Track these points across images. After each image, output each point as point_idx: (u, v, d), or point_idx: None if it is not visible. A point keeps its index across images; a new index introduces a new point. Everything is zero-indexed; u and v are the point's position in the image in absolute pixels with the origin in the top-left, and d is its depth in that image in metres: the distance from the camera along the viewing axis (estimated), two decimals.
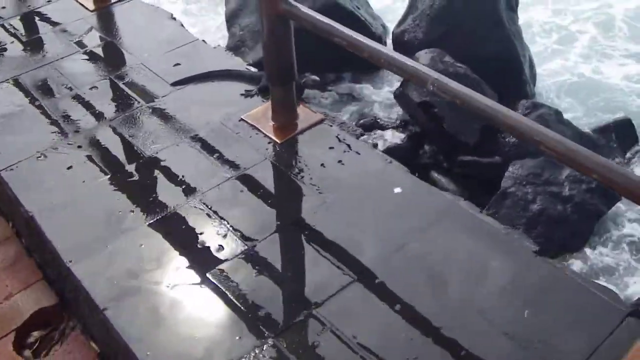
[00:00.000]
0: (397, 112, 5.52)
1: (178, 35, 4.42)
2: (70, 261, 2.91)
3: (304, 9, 3.04)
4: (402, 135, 5.24)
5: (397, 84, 5.39)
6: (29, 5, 5.00)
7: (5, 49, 4.50)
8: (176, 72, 4.03)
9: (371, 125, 5.37)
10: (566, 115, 5.26)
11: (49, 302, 3.05)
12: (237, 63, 4.09)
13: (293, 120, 3.53)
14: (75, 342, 2.93)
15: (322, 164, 3.29)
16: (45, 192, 3.29)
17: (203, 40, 4.36)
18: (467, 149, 4.88)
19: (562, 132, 4.92)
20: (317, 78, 3.67)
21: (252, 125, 3.56)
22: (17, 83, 4.14)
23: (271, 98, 3.51)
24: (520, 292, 2.61)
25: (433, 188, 3.18)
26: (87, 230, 3.04)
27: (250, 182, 3.23)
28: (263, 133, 3.50)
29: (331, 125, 3.53)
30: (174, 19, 4.65)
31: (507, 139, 4.89)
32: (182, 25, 4.57)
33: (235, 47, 5.91)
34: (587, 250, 4.46)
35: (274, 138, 3.46)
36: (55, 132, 3.69)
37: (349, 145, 3.38)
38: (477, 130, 4.95)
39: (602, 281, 4.15)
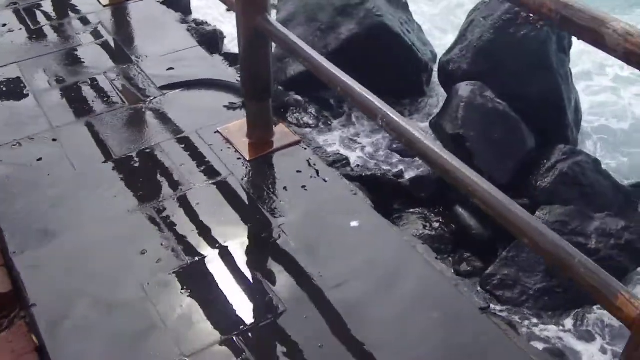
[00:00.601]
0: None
1: (180, 39, 4.39)
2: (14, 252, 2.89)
3: (279, 26, 2.96)
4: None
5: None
6: None
7: (12, 32, 4.53)
8: (168, 77, 3.99)
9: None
10: (608, 165, 5.05)
11: (3, 289, 3.01)
12: (230, 74, 4.03)
13: (268, 138, 3.45)
14: (18, 332, 2.86)
15: (284, 187, 3.20)
16: (7, 181, 3.27)
17: (203, 47, 4.31)
18: (498, 187, 4.71)
19: (597, 181, 4.79)
20: (300, 98, 3.60)
21: (226, 139, 3.49)
22: (14, 69, 4.15)
23: (246, 114, 3.43)
24: (455, 348, 2.47)
25: (394, 227, 3.05)
26: (36, 221, 3.01)
27: (207, 197, 3.16)
28: (235, 148, 3.43)
29: (305, 149, 3.44)
30: (184, 22, 4.61)
31: (538, 183, 4.73)
32: (188, 29, 4.53)
33: (281, 56, 5.85)
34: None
35: (243, 154, 3.38)
36: (34, 123, 3.68)
37: (317, 171, 3.28)
38: (510, 170, 4.80)
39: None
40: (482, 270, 4.32)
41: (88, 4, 4.85)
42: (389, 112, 2.41)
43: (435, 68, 6.07)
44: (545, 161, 4.90)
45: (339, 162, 3.53)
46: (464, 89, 5.13)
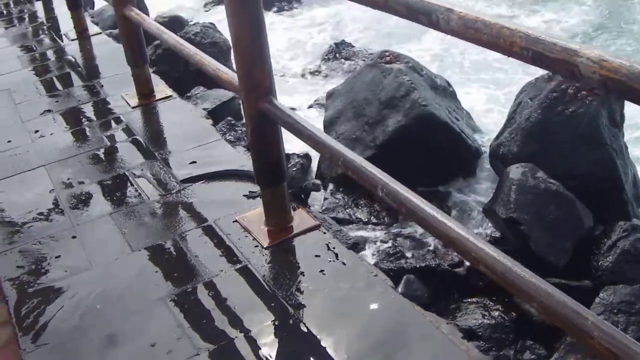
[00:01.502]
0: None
1: (205, 134, 4.40)
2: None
3: (284, 108, 2.92)
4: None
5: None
6: (79, 101, 5.16)
7: (43, 137, 4.63)
8: (190, 170, 3.98)
9: None
10: None
11: None
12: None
13: (286, 224, 3.36)
14: None
15: (302, 273, 3.08)
16: (27, 276, 3.28)
17: (228, 140, 4.31)
18: (556, 270, 4.51)
19: None
20: (319, 182, 3.51)
21: (244, 227, 3.41)
22: (41, 172, 4.21)
23: (262, 200, 3.36)
24: None
25: (417, 308, 2.88)
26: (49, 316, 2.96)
27: (221, 287, 3.06)
28: (252, 236, 3.34)
29: (325, 232, 3.33)
30: (208, 118, 4.64)
31: (599, 263, 4.50)
32: (213, 124, 4.55)
33: None
34: None
35: (261, 242, 3.29)
36: (56, 221, 3.69)
37: (336, 255, 3.16)
38: (568, 250, 4.59)
39: None
40: (546, 358, 4.07)
41: (117, 106, 4.95)
42: (388, 182, 2.30)
43: (486, 154, 5.98)
44: (605, 240, 4.66)
45: (359, 245, 3.40)
46: (515, 171, 4.99)
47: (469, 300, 4.39)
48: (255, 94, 2.96)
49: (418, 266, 4.14)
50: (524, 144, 5.44)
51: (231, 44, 2.94)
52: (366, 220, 4.39)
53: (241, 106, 3.08)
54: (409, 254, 4.65)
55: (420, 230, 4.93)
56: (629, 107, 6.40)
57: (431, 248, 4.98)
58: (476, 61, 10.48)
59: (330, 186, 4.56)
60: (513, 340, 4.19)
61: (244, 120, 5.59)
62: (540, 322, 4.19)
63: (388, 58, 8.88)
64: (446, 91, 6.36)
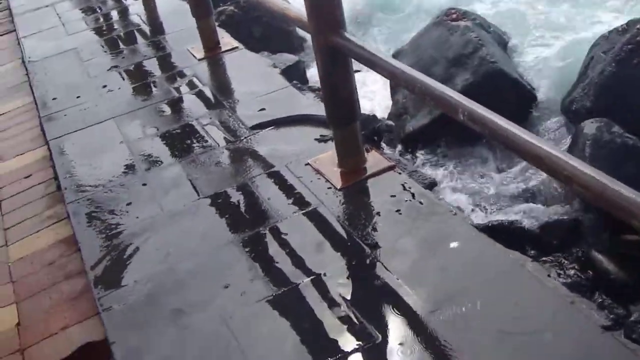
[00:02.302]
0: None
1: (273, 81, 4.31)
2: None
3: (356, 40, 2.79)
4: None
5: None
6: (145, 55, 5.12)
7: (111, 91, 4.62)
8: (259, 117, 3.89)
9: None
10: None
11: (99, 337, 2.92)
12: (322, 109, 3.87)
13: (360, 165, 3.24)
14: None
15: (377, 213, 2.97)
16: (99, 224, 3.29)
17: (297, 86, 4.20)
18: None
19: None
20: (392, 123, 3.38)
21: (316, 170, 3.31)
22: (110, 124, 4.19)
23: (334, 141, 3.25)
24: None
25: (497, 245, 2.72)
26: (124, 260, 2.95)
27: (296, 228, 2.97)
28: (325, 178, 3.24)
29: (400, 173, 3.20)
30: (275, 67, 4.54)
31: None
32: (280, 73, 4.45)
33: (397, 114, 5.72)
34: None
35: (334, 183, 3.18)
36: (126, 169, 3.66)
37: (412, 195, 3.03)
38: None
39: None
40: (625, 318, 3.89)
41: (183, 59, 4.89)
42: (470, 105, 2.16)
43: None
44: None
45: (436, 185, 3.25)
46: (590, 126, 4.76)
47: (544, 259, 4.23)
48: (325, 27, 2.84)
49: (490, 224, 3.98)
50: (597, 98, 5.19)
51: None
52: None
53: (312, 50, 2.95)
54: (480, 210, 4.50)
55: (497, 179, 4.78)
56: None
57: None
58: (542, 19, 10.12)
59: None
60: (589, 299, 4.01)
61: (309, 84, 5.51)
62: (619, 280, 4.00)
63: (454, 15, 8.63)
64: (512, 48, 6.15)
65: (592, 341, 2.21)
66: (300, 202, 3.12)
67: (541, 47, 9.08)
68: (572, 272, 4.14)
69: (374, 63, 2.66)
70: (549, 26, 9.59)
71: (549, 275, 2.56)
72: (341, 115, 3.10)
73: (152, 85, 4.64)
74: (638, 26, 7.05)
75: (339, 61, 2.92)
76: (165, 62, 4.97)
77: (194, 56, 4.87)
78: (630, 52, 5.22)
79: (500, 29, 8.48)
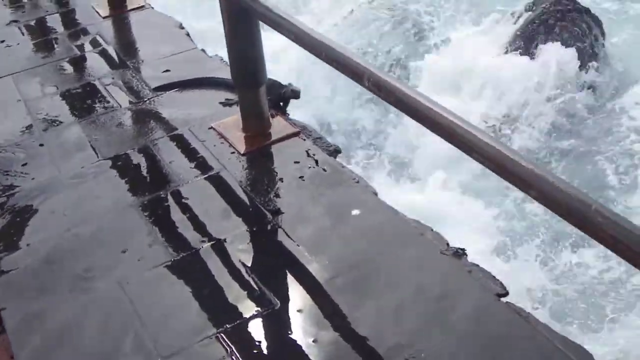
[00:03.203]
0: None
1: (179, 43, 4.21)
2: None
3: (265, 4, 2.73)
4: None
5: None
6: (47, 11, 4.91)
7: (9, 47, 4.42)
8: (163, 78, 3.80)
9: None
10: None
11: None
12: (228, 73, 3.80)
13: (265, 130, 3.21)
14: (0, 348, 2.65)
15: (280, 179, 2.95)
16: None
17: (202, 50, 4.11)
18: None
19: None
20: (298, 89, 3.35)
21: (220, 134, 3.25)
22: (7, 81, 4.01)
23: (239, 104, 3.20)
24: (476, 336, 2.16)
25: (400, 214, 2.75)
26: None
27: (197, 192, 2.92)
28: (229, 142, 3.19)
29: (304, 140, 3.18)
30: (182, 27, 4.43)
31: None
32: (187, 34, 4.34)
33: None
34: None
35: (237, 148, 3.14)
36: (24, 128, 3.52)
37: (316, 161, 3.02)
38: None
39: None
40: None
41: (86, 17, 4.72)
42: (375, 71, 2.15)
43: None
44: None
45: (340, 152, 3.25)
46: None
47: None
48: None
49: None
50: None
51: None
52: None
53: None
54: None
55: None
56: None
57: None
58: None
59: None
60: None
61: None
62: None
63: None
64: None
65: (488, 307, 2.26)
66: (202, 166, 3.07)
67: None
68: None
69: (280, 25, 2.61)
70: None
71: (447, 244, 2.57)
72: (248, 78, 3.05)
73: (53, 42, 4.47)
74: None
75: (246, 23, 2.86)
76: (68, 18, 4.79)
77: (98, 14, 4.70)
78: None
79: None
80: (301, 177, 2.94)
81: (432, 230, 2.68)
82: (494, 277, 2.44)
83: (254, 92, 3.10)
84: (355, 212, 2.73)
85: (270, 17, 2.72)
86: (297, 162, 3.02)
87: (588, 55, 8.02)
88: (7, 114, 3.68)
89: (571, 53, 7.82)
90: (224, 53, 3.36)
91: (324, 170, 2.97)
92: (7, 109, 3.73)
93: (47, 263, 2.67)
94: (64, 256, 2.69)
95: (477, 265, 2.49)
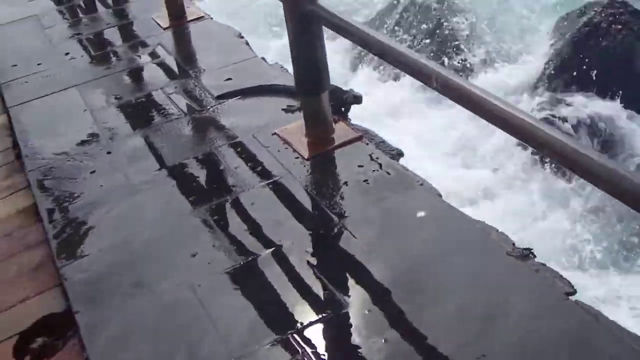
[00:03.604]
0: None
1: (240, 52, 4.27)
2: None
3: (329, 8, 2.76)
4: None
5: None
6: (108, 24, 5.04)
7: (74, 59, 4.54)
8: (225, 87, 3.86)
9: None
10: None
11: (61, 309, 2.87)
12: (289, 79, 3.85)
13: (327, 135, 3.23)
14: (71, 352, 2.71)
15: (345, 182, 2.97)
16: (62, 192, 3.22)
17: (262, 58, 4.17)
18: None
19: None
20: (360, 94, 3.37)
21: (283, 140, 3.29)
22: (73, 92, 4.11)
23: (303, 110, 3.23)
24: (543, 336, 2.15)
25: (465, 216, 2.74)
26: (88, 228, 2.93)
27: (263, 197, 2.96)
28: (292, 148, 3.22)
29: (367, 144, 3.20)
30: (241, 37, 4.50)
31: None
32: (247, 43, 4.41)
33: None
34: None
35: (302, 153, 3.17)
36: (90, 137, 3.61)
37: (380, 165, 3.03)
38: None
39: None
40: None
41: (148, 28, 4.82)
42: (443, 72, 2.16)
43: None
44: None
45: (404, 155, 3.26)
46: None
47: None
48: None
49: None
50: None
51: None
52: None
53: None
54: None
55: None
56: None
57: None
58: None
59: None
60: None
61: None
62: None
63: None
64: None
65: (556, 307, 2.24)
66: (267, 171, 3.11)
67: None
68: None
69: (347, 31, 2.65)
70: None
71: (513, 245, 2.56)
72: (311, 83, 3.08)
73: (116, 53, 4.57)
74: None
75: (310, 29, 2.90)
76: (130, 30, 4.91)
77: (159, 25, 4.79)
78: None
79: None
80: (365, 180, 2.95)
81: (497, 231, 2.67)
82: (561, 276, 2.42)
83: (317, 97, 3.12)
84: (420, 214, 2.73)
85: (334, 22, 2.76)
86: (361, 166, 3.04)
87: None
88: (75, 124, 3.78)
89: None
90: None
91: (388, 173, 2.98)
92: (74, 119, 3.83)
93: (116, 268, 2.73)
94: (133, 261, 2.75)
95: (544, 265, 2.47)
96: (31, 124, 3.89)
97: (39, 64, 4.56)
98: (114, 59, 4.50)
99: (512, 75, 8.09)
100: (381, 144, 3.23)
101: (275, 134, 3.35)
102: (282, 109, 3.57)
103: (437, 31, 8.60)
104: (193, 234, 2.82)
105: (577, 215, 5.51)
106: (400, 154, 3.18)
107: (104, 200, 3.12)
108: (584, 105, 7.36)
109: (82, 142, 3.59)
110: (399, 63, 2.35)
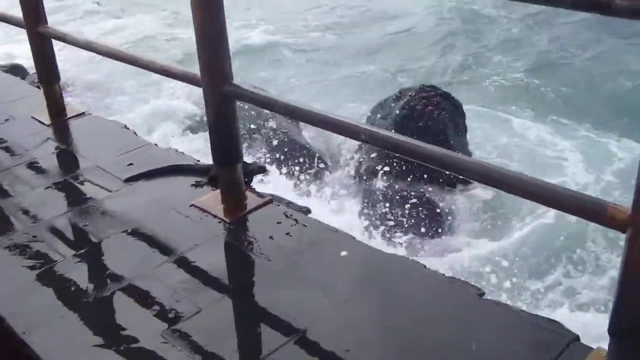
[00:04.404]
0: None
1: (131, 141, 4.61)
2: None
3: (246, 86, 3.27)
4: None
5: None
6: None
7: None
8: (129, 170, 4.18)
9: None
10: None
11: None
12: (188, 160, 4.26)
13: (242, 202, 3.68)
14: None
15: (270, 237, 3.42)
16: None
17: (155, 144, 4.55)
18: None
19: None
20: (264, 165, 3.86)
21: (202, 209, 3.69)
22: None
23: (219, 180, 3.67)
24: (466, 330, 2.70)
25: (378, 251, 3.30)
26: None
27: (199, 256, 3.32)
28: (212, 215, 3.63)
29: (278, 205, 3.68)
30: (127, 128, 4.85)
31: None
32: (134, 133, 4.77)
33: None
34: None
35: (223, 218, 3.58)
36: (10, 226, 3.77)
37: (296, 220, 3.53)
38: None
39: None
40: None
41: (30, 126, 4.98)
42: (368, 127, 2.73)
43: None
44: None
45: (310, 212, 3.77)
46: None
47: None
48: (219, 78, 3.29)
49: None
50: None
51: (195, 36, 3.24)
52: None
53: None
54: None
55: None
56: None
57: None
58: None
59: None
60: None
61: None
62: None
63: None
64: None
65: (471, 304, 2.83)
66: (196, 235, 3.47)
67: None
68: None
69: (269, 103, 3.16)
70: None
71: (424, 267, 3.14)
72: (227, 154, 3.53)
73: (7, 149, 4.69)
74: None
75: (229, 107, 3.38)
76: (13, 128, 5.02)
77: (41, 122, 5.00)
78: None
79: None
80: (287, 233, 3.43)
81: (411, 259, 3.25)
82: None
83: (233, 167, 3.58)
84: (343, 253, 3.25)
85: (252, 97, 3.26)
86: (280, 222, 3.52)
87: None
88: None
89: None
90: None
91: (305, 226, 3.48)
92: None
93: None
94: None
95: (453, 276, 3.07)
96: None
97: None
98: (6, 153, 4.62)
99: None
100: (290, 204, 3.74)
101: (192, 205, 3.74)
102: (192, 185, 3.97)
103: None
104: (120, 304, 3.06)
105: None
106: (308, 211, 3.69)
107: (39, 280, 3.30)
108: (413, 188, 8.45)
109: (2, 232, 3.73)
110: (327, 124, 2.90)
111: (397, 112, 9.58)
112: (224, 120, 3.44)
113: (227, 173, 3.61)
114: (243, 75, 10.64)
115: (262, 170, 3.89)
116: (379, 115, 10.02)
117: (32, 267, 3.41)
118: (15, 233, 3.70)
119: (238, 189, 3.68)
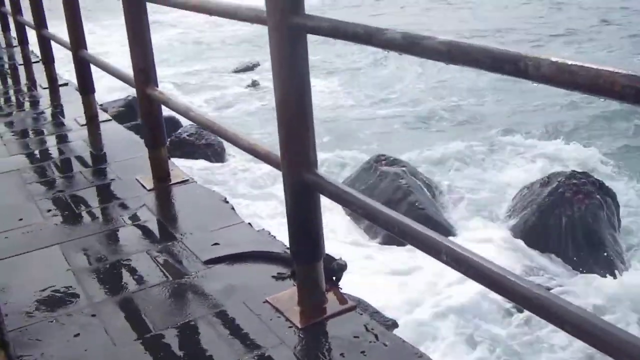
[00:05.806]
0: None
1: (225, 216, 4.29)
2: None
3: (328, 178, 2.83)
4: None
5: None
6: (92, 182, 5.05)
7: (56, 216, 4.50)
8: (213, 251, 3.84)
9: None
10: None
11: None
12: (278, 246, 3.86)
13: (321, 305, 3.21)
14: None
15: (341, 354, 2.91)
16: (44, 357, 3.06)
17: (249, 223, 4.19)
18: None
19: None
20: (344, 262, 3.39)
21: (275, 308, 3.25)
22: (55, 250, 4.04)
23: (297, 278, 3.22)
24: None
25: None
26: None
27: None
28: (285, 317, 3.18)
29: (361, 314, 3.17)
30: (226, 202, 4.54)
31: None
32: (232, 208, 4.44)
33: None
34: None
35: (295, 322, 3.12)
36: (74, 299, 3.51)
37: (376, 336, 3.00)
38: None
39: None
40: None
41: (133, 188, 4.83)
42: (451, 246, 2.20)
43: None
44: None
45: (397, 326, 3.23)
46: None
47: None
48: (299, 165, 2.87)
49: None
50: None
51: (276, 110, 2.86)
52: None
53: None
54: None
55: None
56: None
57: None
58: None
59: None
60: None
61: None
62: None
63: (384, 162, 8.95)
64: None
65: None
66: (261, 340, 3.04)
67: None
68: None
69: (348, 201, 2.69)
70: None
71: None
72: (307, 252, 3.09)
73: (100, 211, 4.55)
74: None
75: (309, 198, 2.94)
76: (114, 190, 4.91)
77: (143, 186, 4.82)
78: None
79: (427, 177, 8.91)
80: (363, 352, 2.91)
81: None
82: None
83: (311, 266, 3.13)
84: None
85: (334, 192, 2.81)
86: (357, 337, 3.00)
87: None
88: (57, 283, 3.68)
89: None
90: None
91: (385, 345, 2.94)
92: (56, 278, 3.74)
93: None
94: None
95: None
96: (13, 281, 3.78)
97: (20, 220, 4.50)
98: (97, 217, 4.47)
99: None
100: (375, 315, 3.21)
101: (266, 301, 3.31)
102: (272, 276, 3.55)
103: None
104: None
105: None
106: (395, 324, 3.16)
107: None
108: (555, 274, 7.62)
109: (65, 304, 3.48)
110: (406, 235, 2.38)
111: (544, 197, 8.99)
112: (304, 212, 3.00)
113: (305, 272, 3.16)
114: None
115: (343, 268, 3.40)
116: (527, 201, 9.41)
117: (84, 349, 3.11)
118: (74, 304, 3.44)
119: (317, 290, 3.21)
